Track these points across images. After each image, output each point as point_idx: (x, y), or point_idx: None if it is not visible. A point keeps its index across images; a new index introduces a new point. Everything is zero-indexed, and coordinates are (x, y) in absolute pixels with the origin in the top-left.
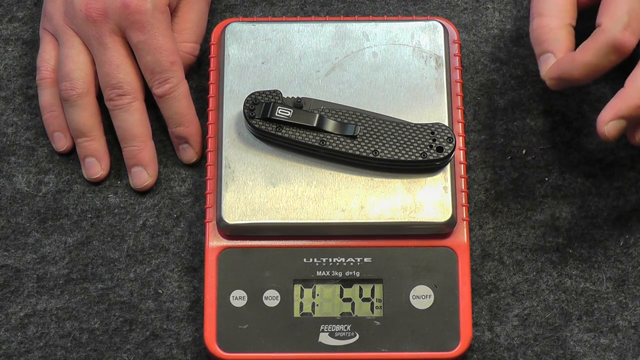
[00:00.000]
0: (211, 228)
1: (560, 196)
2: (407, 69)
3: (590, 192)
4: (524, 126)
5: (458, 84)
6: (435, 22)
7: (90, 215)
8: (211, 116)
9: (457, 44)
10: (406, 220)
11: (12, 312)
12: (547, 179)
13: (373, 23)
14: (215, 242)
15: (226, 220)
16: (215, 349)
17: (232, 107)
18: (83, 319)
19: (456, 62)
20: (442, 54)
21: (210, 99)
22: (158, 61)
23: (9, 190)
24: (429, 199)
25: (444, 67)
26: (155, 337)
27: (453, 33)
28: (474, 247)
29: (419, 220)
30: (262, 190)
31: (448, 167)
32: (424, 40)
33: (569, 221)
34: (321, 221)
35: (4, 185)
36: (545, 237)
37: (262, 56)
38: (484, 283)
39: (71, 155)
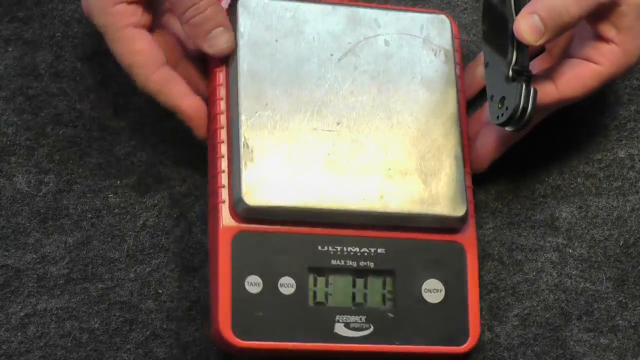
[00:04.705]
0: (224, 209)
1: (560, 196)
2: (418, 60)
3: (590, 192)
4: None
5: (459, 79)
6: (442, 16)
7: (90, 215)
8: (220, 91)
9: (457, 39)
10: (423, 212)
11: (12, 312)
12: (547, 179)
13: (384, 11)
14: (229, 223)
15: (246, 202)
16: (230, 336)
17: (250, 84)
18: (83, 319)
19: (457, 57)
20: (451, 48)
21: (219, 73)
22: None
23: (9, 190)
24: (445, 193)
25: (453, 62)
26: (156, 337)
27: (454, 28)
28: None
29: (435, 213)
30: (281, 172)
31: (461, 162)
32: (432, 33)
33: (568, 221)
34: (341, 208)
35: (4, 185)
36: (545, 237)
37: (276, 33)
38: (484, 283)
39: (71, 156)
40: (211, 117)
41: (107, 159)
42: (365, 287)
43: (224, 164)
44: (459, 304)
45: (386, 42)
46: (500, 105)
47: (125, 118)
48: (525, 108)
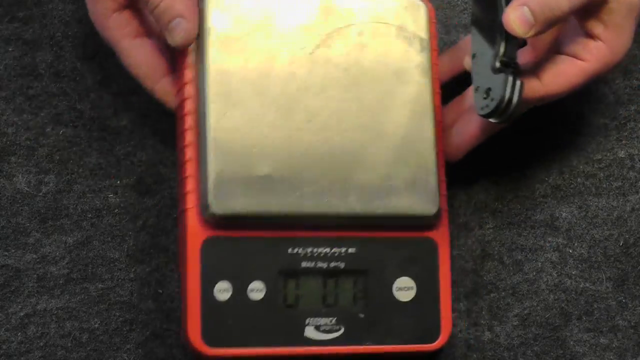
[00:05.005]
0: (192, 215)
1: (560, 196)
2: (392, 50)
3: (590, 192)
4: None
5: (434, 67)
6: (418, 1)
7: (90, 215)
8: (187, 90)
9: (433, 24)
10: (395, 211)
11: (12, 312)
12: (547, 179)
13: None
14: (197, 230)
15: (213, 209)
16: (200, 344)
17: (219, 82)
18: (83, 319)
19: (433, 44)
20: (426, 35)
21: (186, 70)
22: None
23: (9, 190)
24: (418, 189)
25: (428, 50)
26: (156, 337)
27: (430, 13)
28: (474, 247)
29: (407, 211)
30: (250, 177)
31: (433, 157)
32: (407, 20)
33: (569, 221)
34: (310, 211)
35: (4, 185)
36: (545, 237)
37: (246, 27)
38: (484, 283)
39: (71, 156)
40: (178, 117)
41: (107, 159)
42: (336, 288)
43: (191, 168)
44: (430, 301)
45: (359, 33)
46: (485, 96)
47: (125, 118)
48: (510, 100)
